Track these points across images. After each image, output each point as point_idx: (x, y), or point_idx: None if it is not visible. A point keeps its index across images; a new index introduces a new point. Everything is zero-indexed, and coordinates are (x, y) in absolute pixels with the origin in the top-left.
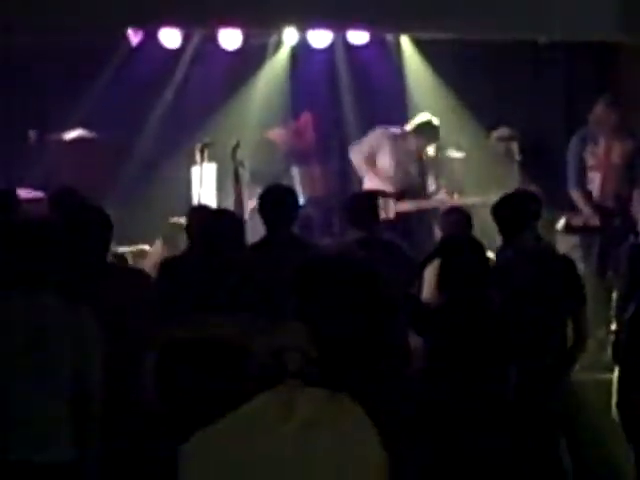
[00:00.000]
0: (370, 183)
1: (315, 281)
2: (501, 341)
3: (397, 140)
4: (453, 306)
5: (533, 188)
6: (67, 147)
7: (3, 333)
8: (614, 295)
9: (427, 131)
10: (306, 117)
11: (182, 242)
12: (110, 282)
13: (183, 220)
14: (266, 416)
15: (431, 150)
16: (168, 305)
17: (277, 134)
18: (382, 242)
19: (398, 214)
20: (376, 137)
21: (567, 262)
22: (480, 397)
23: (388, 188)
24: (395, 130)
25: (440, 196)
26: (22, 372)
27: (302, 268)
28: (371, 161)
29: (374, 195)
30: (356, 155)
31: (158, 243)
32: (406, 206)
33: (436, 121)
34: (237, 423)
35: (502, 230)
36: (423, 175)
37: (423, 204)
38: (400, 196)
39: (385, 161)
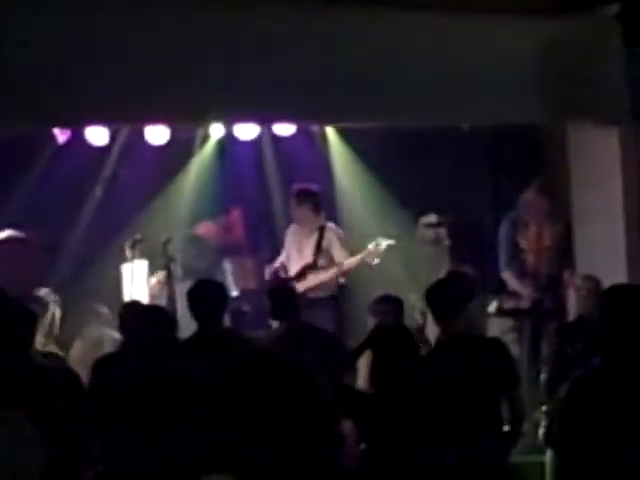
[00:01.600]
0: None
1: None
2: (437, 429)
3: (296, 228)
4: (387, 397)
5: (466, 269)
6: None
7: None
8: (542, 376)
9: (301, 200)
10: (236, 213)
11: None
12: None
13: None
14: None
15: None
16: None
17: (206, 228)
18: (310, 330)
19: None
20: (287, 236)
21: (498, 345)
22: None
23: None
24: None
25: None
26: None
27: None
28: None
29: (288, 286)
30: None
31: (78, 342)
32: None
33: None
34: None
35: (436, 315)
36: (318, 251)
37: (321, 276)
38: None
39: (290, 253)
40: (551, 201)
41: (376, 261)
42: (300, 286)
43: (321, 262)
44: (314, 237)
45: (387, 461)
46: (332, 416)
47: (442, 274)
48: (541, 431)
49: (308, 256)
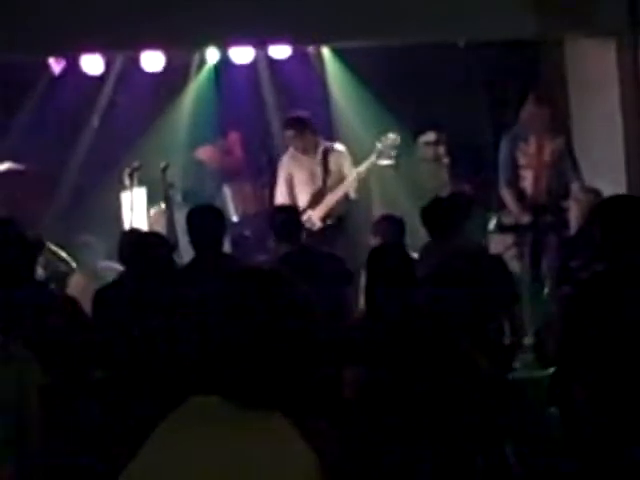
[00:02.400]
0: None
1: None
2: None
3: (297, 156)
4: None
5: (466, 188)
6: None
7: None
8: (545, 290)
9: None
10: (234, 135)
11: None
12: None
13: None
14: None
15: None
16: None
17: (206, 152)
18: (315, 253)
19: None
20: (285, 166)
21: (497, 261)
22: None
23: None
24: (290, 151)
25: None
26: None
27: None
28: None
29: (293, 208)
30: (279, 200)
31: (76, 275)
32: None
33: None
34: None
35: (431, 231)
36: (326, 172)
37: (330, 200)
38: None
39: (299, 180)
40: (550, 111)
41: (387, 162)
42: (315, 214)
43: (330, 184)
44: (319, 161)
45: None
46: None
47: (442, 192)
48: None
49: (318, 181)
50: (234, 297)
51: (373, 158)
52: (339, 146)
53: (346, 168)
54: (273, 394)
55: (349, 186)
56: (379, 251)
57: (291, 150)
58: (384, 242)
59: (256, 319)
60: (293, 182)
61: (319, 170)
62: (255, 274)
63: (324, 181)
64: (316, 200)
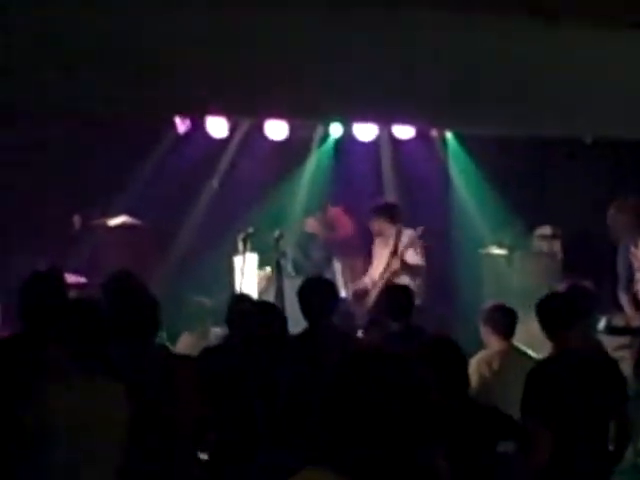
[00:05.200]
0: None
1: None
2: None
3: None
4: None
5: (586, 284)
6: (111, 233)
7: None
8: None
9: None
10: (335, 210)
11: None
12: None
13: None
14: None
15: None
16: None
17: (311, 224)
18: (423, 333)
19: None
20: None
21: (610, 362)
22: None
23: None
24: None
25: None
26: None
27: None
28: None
29: (406, 288)
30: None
31: (186, 335)
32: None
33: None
34: None
35: (545, 328)
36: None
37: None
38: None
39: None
40: (627, 217)
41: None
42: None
43: (394, 265)
44: (391, 243)
45: None
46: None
47: (555, 287)
48: None
49: (384, 262)
50: (354, 377)
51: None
52: (409, 232)
53: (409, 254)
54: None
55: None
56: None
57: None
58: (493, 330)
59: (374, 400)
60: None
61: (388, 251)
62: (375, 356)
63: (388, 260)
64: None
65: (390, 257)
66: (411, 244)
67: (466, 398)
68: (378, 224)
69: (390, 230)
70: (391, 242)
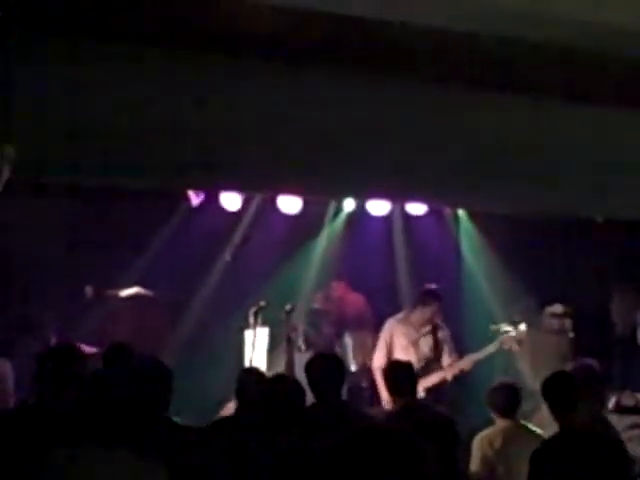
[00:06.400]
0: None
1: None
2: None
3: (404, 321)
4: None
5: (593, 363)
6: (123, 304)
7: None
8: None
9: (429, 300)
10: (339, 286)
11: None
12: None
13: None
14: None
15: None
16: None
17: (318, 301)
18: (427, 410)
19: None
20: (387, 330)
21: (616, 444)
22: None
23: None
24: (400, 314)
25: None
26: None
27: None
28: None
29: (409, 364)
30: (375, 363)
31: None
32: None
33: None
34: None
35: (552, 408)
36: (436, 348)
37: (433, 379)
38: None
39: (400, 346)
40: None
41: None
42: (422, 382)
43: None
44: (428, 333)
45: None
46: None
47: (564, 365)
48: None
49: (427, 351)
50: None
51: (491, 348)
52: (444, 327)
53: (446, 352)
54: None
55: (456, 370)
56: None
57: (399, 316)
58: (493, 409)
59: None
60: (392, 346)
61: (428, 341)
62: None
63: (435, 353)
64: (426, 370)
65: (434, 349)
66: (447, 339)
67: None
68: (427, 311)
69: (432, 320)
70: (429, 331)
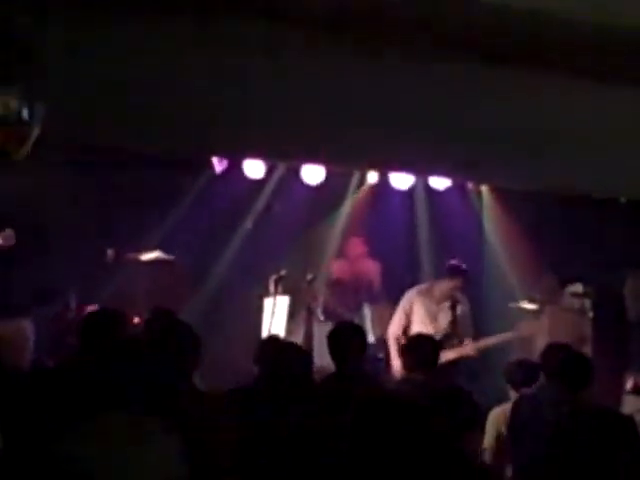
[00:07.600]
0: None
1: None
2: None
3: (425, 294)
4: None
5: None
6: (144, 267)
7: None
8: None
9: (455, 275)
10: (356, 242)
11: None
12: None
13: None
14: None
15: None
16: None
17: (336, 267)
18: (446, 386)
19: None
20: (407, 299)
21: (629, 422)
22: None
23: None
24: (422, 286)
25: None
26: None
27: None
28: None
29: (431, 338)
30: (391, 332)
31: None
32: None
33: (464, 266)
34: None
35: (566, 385)
36: (454, 323)
37: (449, 355)
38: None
39: (418, 317)
40: None
41: (532, 307)
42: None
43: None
44: (447, 307)
45: None
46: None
47: (582, 345)
48: None
49: (444, 325)
50: (365, 423)
51: (503, 337)
52: (465, 302)
53: (466, 326)
54: None
55: (474, 353)
56: None
57: (421, 287)
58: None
59: (385, 447)
60: (411, 317)
61: (446, 315)
62: (384, 403)
63: (452, 328)
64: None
65: (452, 325)
66: (466, 315)
67: None
68: (451, 284)
69: (454, 295)
70: (448, 306)
